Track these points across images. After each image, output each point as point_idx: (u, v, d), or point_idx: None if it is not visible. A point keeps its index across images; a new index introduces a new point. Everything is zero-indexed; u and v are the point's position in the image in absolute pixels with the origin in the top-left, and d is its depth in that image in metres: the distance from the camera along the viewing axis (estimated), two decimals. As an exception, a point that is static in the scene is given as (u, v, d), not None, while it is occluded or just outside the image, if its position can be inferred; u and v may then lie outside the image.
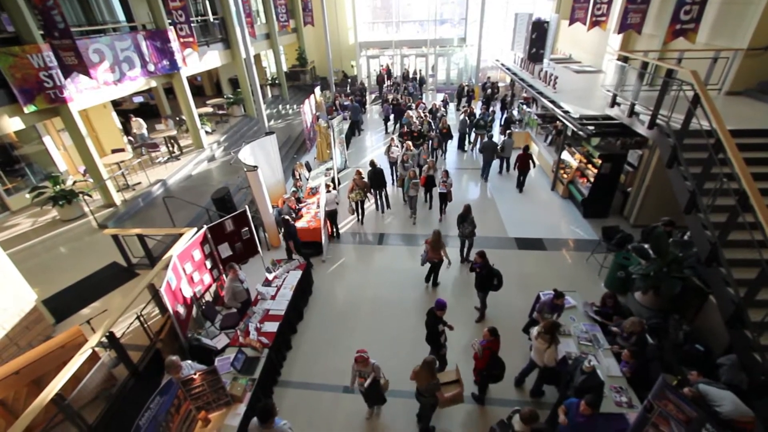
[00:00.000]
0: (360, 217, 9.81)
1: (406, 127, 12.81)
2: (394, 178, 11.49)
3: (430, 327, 5.21)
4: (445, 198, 9.41)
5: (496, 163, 12.02)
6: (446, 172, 9.24)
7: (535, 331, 4.82)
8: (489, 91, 17.67)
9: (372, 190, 9.78)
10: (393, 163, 11.52)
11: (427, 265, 7.31)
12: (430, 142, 12.69)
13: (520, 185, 10.98)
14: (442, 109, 15.65)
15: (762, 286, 4.12)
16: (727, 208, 4.54)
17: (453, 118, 17.24)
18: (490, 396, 5.30)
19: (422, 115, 13.80)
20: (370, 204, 10.18)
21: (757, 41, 6.68)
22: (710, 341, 5.22)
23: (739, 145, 4.57)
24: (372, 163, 9.90)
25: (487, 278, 6.19)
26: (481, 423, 5.03)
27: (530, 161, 10.62)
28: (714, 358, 4.80)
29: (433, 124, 13.49)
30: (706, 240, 4.87)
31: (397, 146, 11.55)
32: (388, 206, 10.38)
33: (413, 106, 15.34)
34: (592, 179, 9.04)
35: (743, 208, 4.26)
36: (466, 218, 7.59)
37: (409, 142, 11.18)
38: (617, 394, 4.48)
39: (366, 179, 9.46)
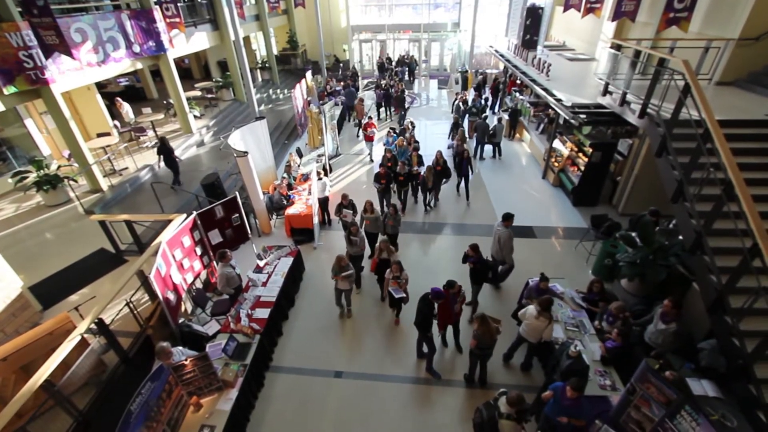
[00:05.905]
0: (360, 130, 13.90)
1: (383, 167, 8.85)
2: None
3: (424, 313, 5.24)
4: (394, 298, 5.92)
5: (488, 148, 12.21)
6: (398, 265, 5.85)
7: (534, 311, 4.87)
8: (481, 78, 17.66)
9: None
10: (349, 225, 6.96)
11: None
12: (419, 185, 9.10)
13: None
14: (410, 128, 12.11)
15: (743, 274, 4.23)
16: (713, 198, 4.62)
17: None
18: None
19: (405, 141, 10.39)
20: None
21: (749, 31, 6.70)
22: (692, 327, 5.38)
23: (727, 135, 4.62)
24: (362, 97, 15.27)
25: (481, 271, 6.12)
26: (467, 405, 5.14)
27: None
28: (695, 342, 4.96)
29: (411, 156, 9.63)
30: (691, 228, 4.97)
31: (350, 211, 7.61)
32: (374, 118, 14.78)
33: (405, 91, 15.08)
34: (582, 168, 9.10)
35: (728, 197, 4.34)
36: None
37: (370, 200, 7.30)
38: (601, 378, 4.63)
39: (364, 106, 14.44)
